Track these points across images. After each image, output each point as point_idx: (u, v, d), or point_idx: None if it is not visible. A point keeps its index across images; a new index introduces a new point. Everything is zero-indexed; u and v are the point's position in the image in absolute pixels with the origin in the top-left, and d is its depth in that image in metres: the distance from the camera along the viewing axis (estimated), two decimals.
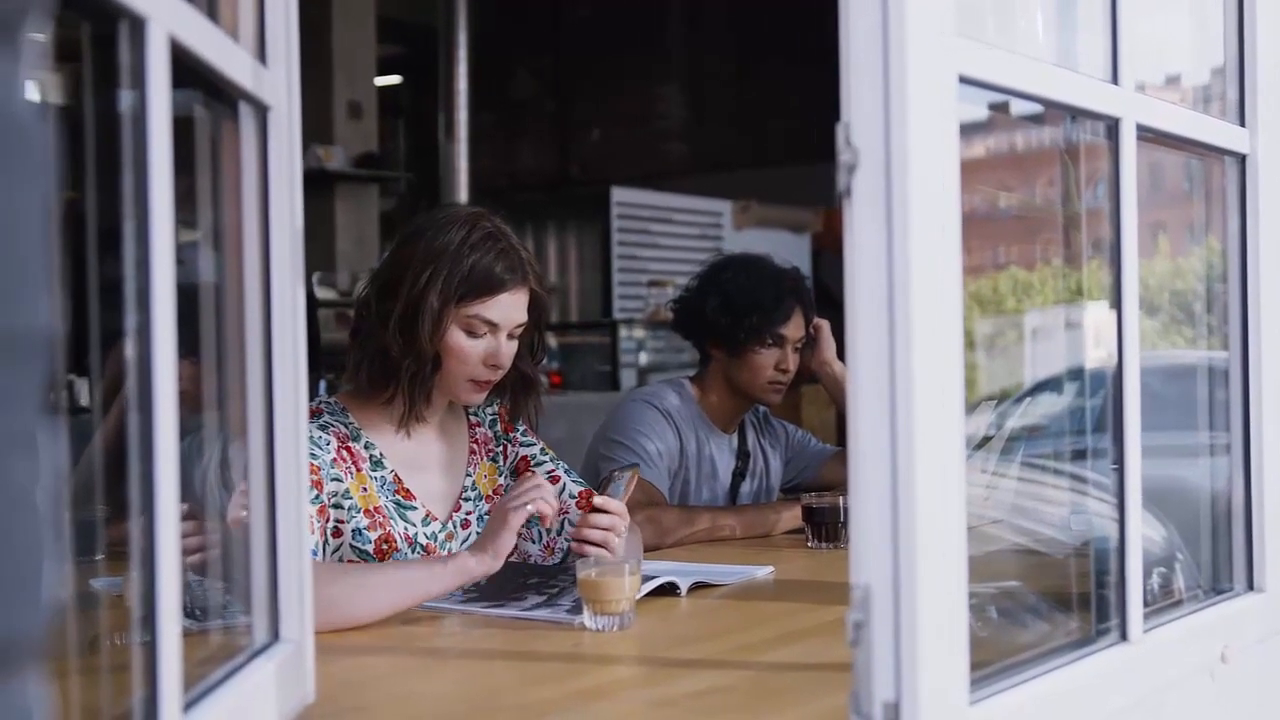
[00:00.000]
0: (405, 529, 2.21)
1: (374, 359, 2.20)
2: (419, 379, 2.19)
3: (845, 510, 2.63)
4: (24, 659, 0.54)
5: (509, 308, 2.20)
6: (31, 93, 0.57)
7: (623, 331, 7.47)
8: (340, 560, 2.15)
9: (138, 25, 0.98)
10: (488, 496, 2.36)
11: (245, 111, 1.32)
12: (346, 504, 2.14)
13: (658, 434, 2.93)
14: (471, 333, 2.19)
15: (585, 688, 1.61)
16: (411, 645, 1.82)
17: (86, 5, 0.95)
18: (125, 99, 0.99)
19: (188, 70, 1.09)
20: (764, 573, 2.33)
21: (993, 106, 1.45)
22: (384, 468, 2.23)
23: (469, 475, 2.35)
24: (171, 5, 1.02)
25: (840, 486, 2.95)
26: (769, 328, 2.96)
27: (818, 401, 6.72)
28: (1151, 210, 1.60)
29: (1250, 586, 1.79)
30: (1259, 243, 1.79)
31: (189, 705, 1.08)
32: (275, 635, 1.35)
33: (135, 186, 0.99)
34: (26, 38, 0.56)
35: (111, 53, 0.99)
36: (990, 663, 1.32)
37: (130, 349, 1.00)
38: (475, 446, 2.38)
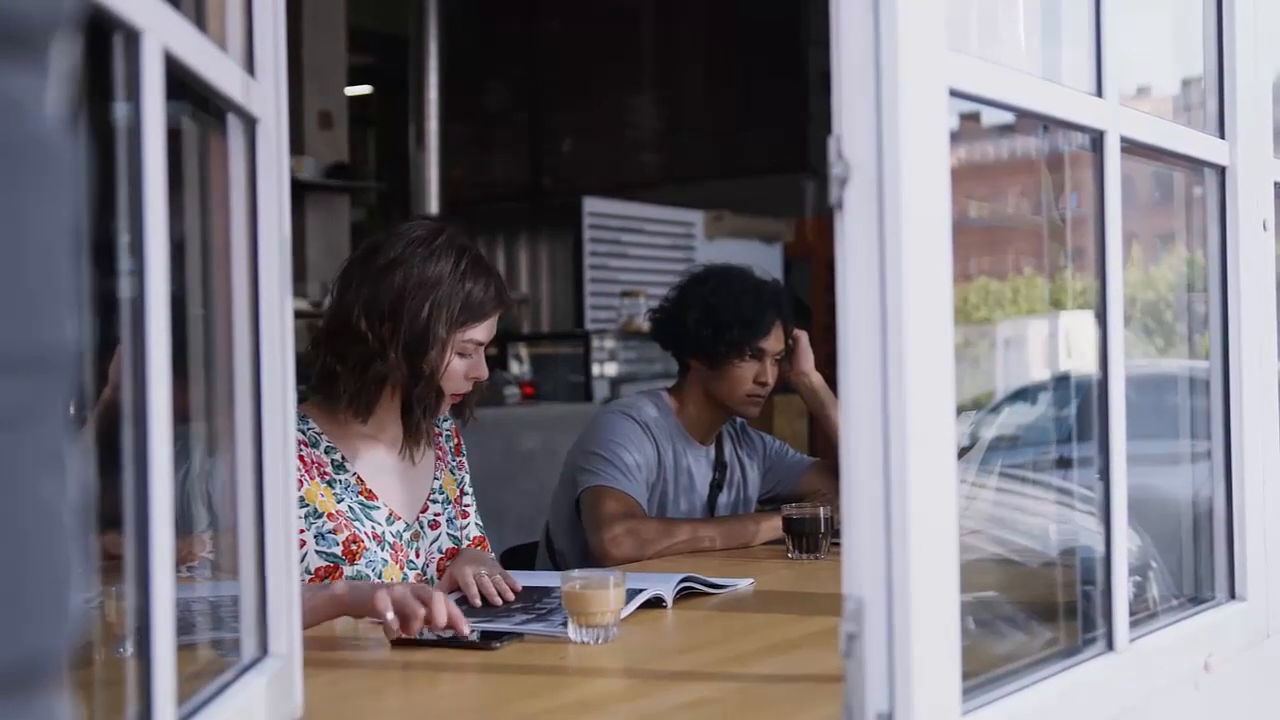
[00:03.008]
0: (372, 528, 2.25)
1: (374, 386, 2.24)
2: (428, 405, 2.26)
3: (825, 521, 2.64)
4: (54, 675, 0.54)
5: (493, 326, 2.32)
6: (58, 108, 0.56)
7: (595, 342, 7.45)
8: (306, 572, 2.16)
9: (132, 37, 0.97)
10: (454, 501, 2.43)
11: (233, 123, 1.31)
12: (303, 511, 2.17)
13: (635, 445, 2.93)
14: (463, 354, 2.28)
15: (573, 701, 1.61)
16: (398, 660, 1.82)
17: (80, 17, 0.94)
18: (119, 110, 0.99)
19: (177, 82, 1.09)
20: (745, 584, 2.33)
21: (964, 116, 1.45)
22: (347, 471, 2.27)
23: (436, 479, 2.41)
24: (166, 17, 1.02)
25: (818, 497, 2.95)
26: (749, 341, 2.96)
27: (789, 411, 6.73)
28: (1124, 220, 1.61)
29: (1232, 595, 1.80)
30: (1238, 253, 1.81)
31: None
32: (264, 650, 1.34)
33: (130, 197, 0.98)
34: (53, 54, 0.56)
35: (103, 64, 0.99)
36: (979, 673, 1.32)
37: (124, 361, 0.99)
38: (440, 453, 2.45)
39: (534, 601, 2.11)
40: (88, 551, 0.60)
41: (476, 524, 2.49)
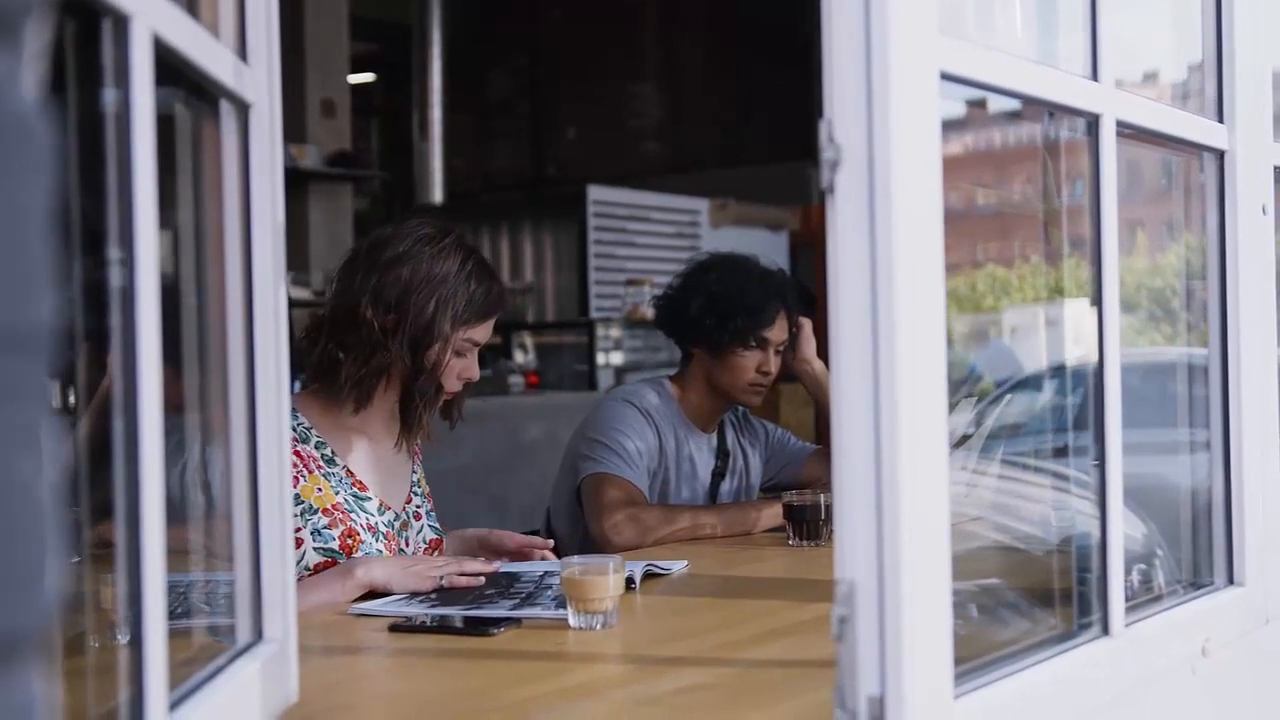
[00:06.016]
0: (366, 519, 2.28)
1: (375, 376, 2.27)
2: (428, 399, 2.30)
3: (826, 508, 2.64)
4: (29, 653, 0.54)
5: (490, 329, 2.36)
6: (31, 90, 0.57)
7: (600, 331, 7.45)
8: (305, 569, 2.17)
9: (121, 23, 0.97)
10: (428, 495, 2.48)
11: (226, 110, 1.31)
12: (299, 508, 2.18)
13: (637, 432, 2.93)
14: (460, 353, 2.31)
15: (570, 686, 1.61)
16: (394, 645, 1.82)
17: (69, 2, 0.94)
18: (108, 97, 0.99)
19: (168, 68, 1.09)
20: (680, 566, 2.35)
21: (969, 103, 1.45)
22: (337, 464, 2.30)
23: (415, 472, 2.46)
24: (155, 2, 1.02)
25: (820, 484, 2.95)
26: (753, 330, 2.95)
27: (795, 400, 6.73)
28: (1128, 207, 1.61)
29: (1230, 581, 1.80)
30: (1237, 238, 1.80)
31: (174, 705, 1.07)
32: (259, 635, 1.35)
33: (119, 185, 0.98)
34: (27, 35, 0.56)
35: (92, 50, 0.99)
36: (974, 658, 1.32)
37: (114, 351, 0.99)
38: (416, 449, 2.48)
39: (507, 587, 2.11)
40: (65, 529, 0.60)
41: (433, 526, 2.49)
